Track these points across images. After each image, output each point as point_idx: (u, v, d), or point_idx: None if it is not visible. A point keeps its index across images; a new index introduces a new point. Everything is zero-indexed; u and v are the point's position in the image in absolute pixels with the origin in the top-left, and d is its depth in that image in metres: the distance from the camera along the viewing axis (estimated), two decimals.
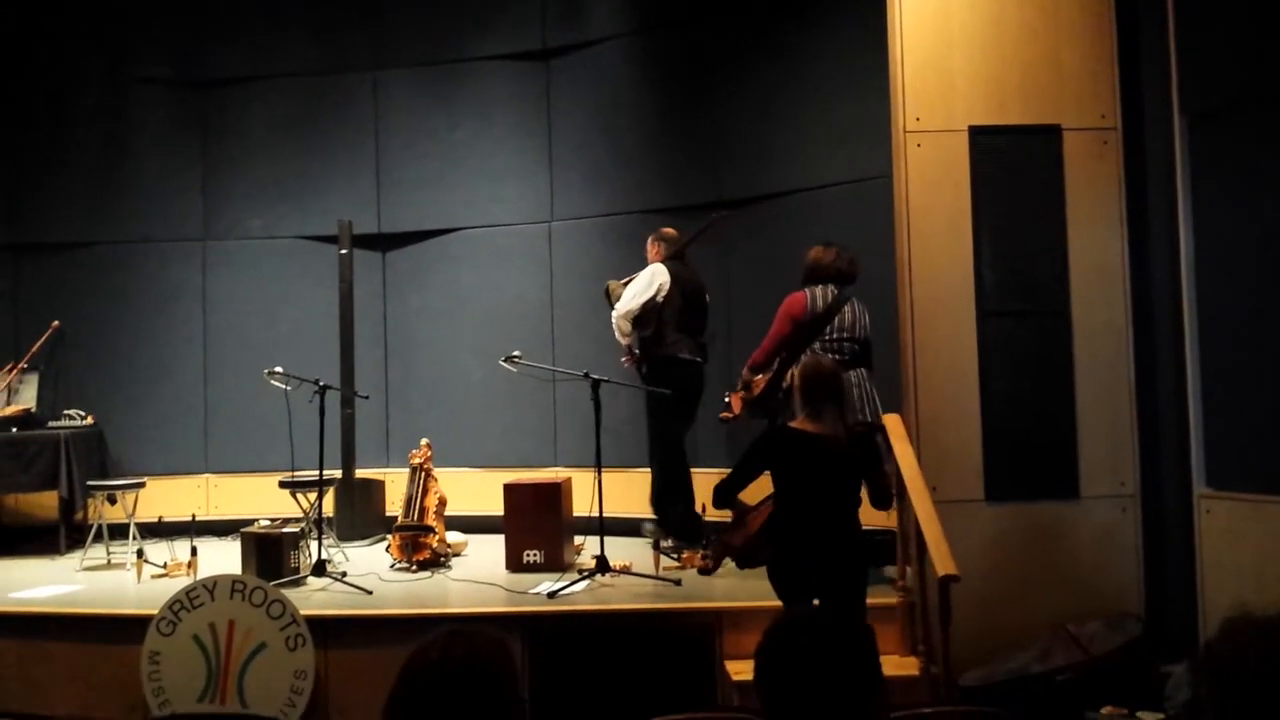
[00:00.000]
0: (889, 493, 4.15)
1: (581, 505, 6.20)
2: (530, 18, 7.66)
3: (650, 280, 6.12)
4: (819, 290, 5.25)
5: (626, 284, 6.30)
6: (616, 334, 6.26)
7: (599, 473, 5.60)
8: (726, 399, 5.52)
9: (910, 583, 4.58)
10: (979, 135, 4.95)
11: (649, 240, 6.41)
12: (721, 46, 6.91)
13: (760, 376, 5.29)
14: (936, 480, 4.59)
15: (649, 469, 6.37)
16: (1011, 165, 4.97)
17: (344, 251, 7.35)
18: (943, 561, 4.00)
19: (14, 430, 6.96)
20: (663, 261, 6.21)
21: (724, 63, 6.90)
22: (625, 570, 5.53)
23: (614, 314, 6.21)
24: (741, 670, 4.46)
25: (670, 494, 6.15)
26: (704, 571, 5.38)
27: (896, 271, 4.95)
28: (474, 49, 7.77)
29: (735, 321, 6.66)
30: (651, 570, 5.48)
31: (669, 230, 6.40)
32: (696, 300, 6.22)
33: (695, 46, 7.03)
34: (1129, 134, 4.95)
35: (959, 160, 4.92)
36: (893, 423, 4.68)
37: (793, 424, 4.01)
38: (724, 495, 4.14)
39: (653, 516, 6.31)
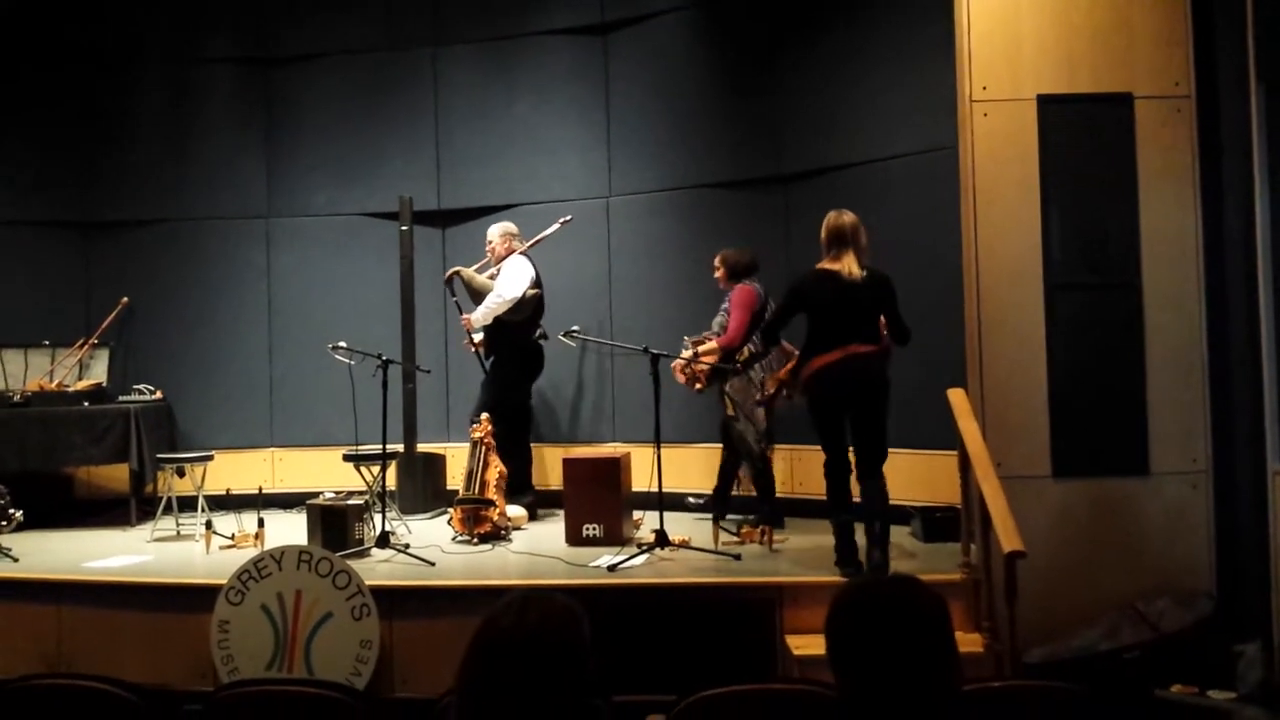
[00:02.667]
0: (906, 328, 4.91)
1: (638, 480, 6.22)
2: None
3: (524, 270, 6.68)
4: (757, 283, 6.19)
5: (490, 275, 6.78)
6: (479, 318, 6.68)
7: (658, 448, 5.60)
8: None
9: (975, 559, 4.53)
10: (1048, 104, 4.84)
11: (498, 235, 6.88)
12: (783, 17, 6.83)
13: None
14: (1002, 456, 4.53)
15: (710, 445, 6.37)
16: (1081, 135, 4.86)
17: (405, 228, 7.40)
18: (1009, 538, 3.94)
19: (86, 404, 7.11)
20: (521, 254, 6.78)
21: (785, 33, 6.81)
22: (684, 544, 5.53)
23: (495, 300, 6.60)
24: (802, 645, 4.45)
25: (518, 461, 6.64)
26: (763, 403, 5.77)
27: (962, 244, 4.88)
28: (533, 23, 7.76)
29: None
30: (710, 545, 5.48)
31: (514, 226, 6.96)
32: (543, 292, 6.80)
33: (755, 17, 6.94)
34: (1203, 102, 4.80)
35: (1027, 130, 4.82)
36: (957, 398, 4.62)
37: (817, 266, 4.94)
38: (771, 333, 5.31)
39: None
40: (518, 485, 6.57)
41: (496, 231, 6.92)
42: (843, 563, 4.81)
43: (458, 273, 6.92)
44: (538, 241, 6.98)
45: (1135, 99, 4.82)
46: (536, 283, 6.73)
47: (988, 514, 4.14)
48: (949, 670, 1.74)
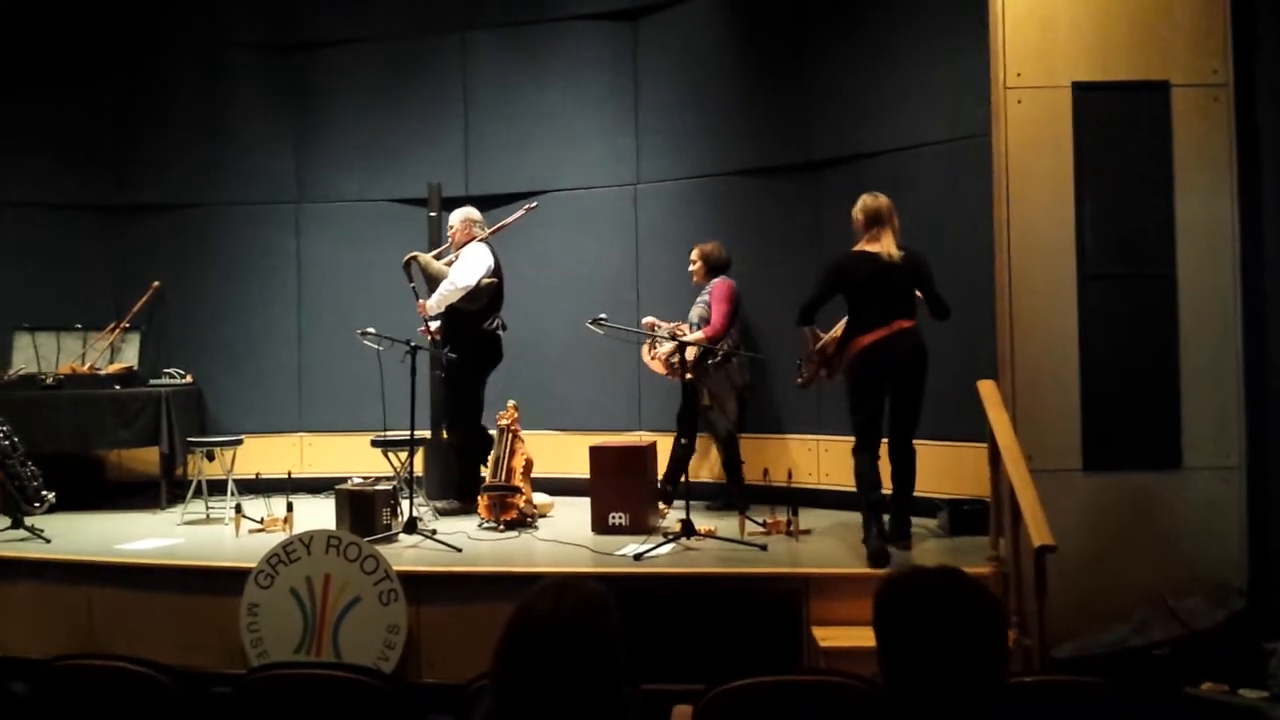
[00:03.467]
0: (946, 305, 5.13)
1: (664, 469, 6.22)
2: None
3: (481, 258, 6.49)
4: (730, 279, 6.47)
5: (448, 261, 6.61)
6: (433, 305, 6.51)
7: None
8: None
9: (1004, 553, 4.49)
10: (1083, 91, 4.77)
11: (459, 221, 6.69)
12: (813, 2, 6.78)
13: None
14: (1032, 448, 4.48)
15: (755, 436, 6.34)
16: (1116, 123, 4.77)
17: (433, 214, 7.42)
18: (1039, 531, 3.90)
19: (117, 387, 7.17)
20: (482, 241, 6.58)
21: (816, 19, 6.76)
22: (710, 534, 5.53)
23: (448, 287, 6.43)
24: (829, 636, 4.44)
25: (470, 454, 6.56)
26: (804, 386, 5.73)
27: (994, 233, 4.83)
28: (562, 8, 7.75)
29: None
30: (736, 535, 5.47)
31: (477, 213, 6.77)
32: (503, 281, 6.63)
33: (786, 3, 6.89)
34: (1241, 90, 4.72)
35: (1061, 117, 4.75)
36: (988, 389, 4.57)
37: (854, 248, 5.16)
38: (807, 314, 5.26)
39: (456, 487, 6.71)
40: (472, 489, 6.44)
41: (458, 217, 6.73)
42: (873, 547, 4.92)
43: (415, 257, 6.71)
44: (500, 229, 6.82)
45: (1172, 87, 4.74)
46: (495, 272, 6.55)
47: (1018, 507, 4.10)
48: (1000, 665, 1.73)
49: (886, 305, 5.10)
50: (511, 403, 6.40)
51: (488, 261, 6.51)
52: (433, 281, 6.59)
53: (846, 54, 6.62)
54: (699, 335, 6.28)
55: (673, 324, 6.54)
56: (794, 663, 4.49)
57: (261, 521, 6.09)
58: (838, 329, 5.38)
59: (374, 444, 6.50)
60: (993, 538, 4.63)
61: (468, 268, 6.45)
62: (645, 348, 6.67)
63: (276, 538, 5.23)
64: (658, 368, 6.55)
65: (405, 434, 6.16)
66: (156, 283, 7.73)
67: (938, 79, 6.12)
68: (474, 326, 6.45)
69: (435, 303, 6.49)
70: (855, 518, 5.96)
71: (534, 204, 7.02)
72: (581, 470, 6.12)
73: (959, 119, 5.91)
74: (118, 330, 7.63)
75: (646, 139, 7.54)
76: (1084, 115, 4.76)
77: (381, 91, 7.99)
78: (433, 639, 4.81)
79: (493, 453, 6.28)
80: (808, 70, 6.79)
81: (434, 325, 6.60)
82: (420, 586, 4.86)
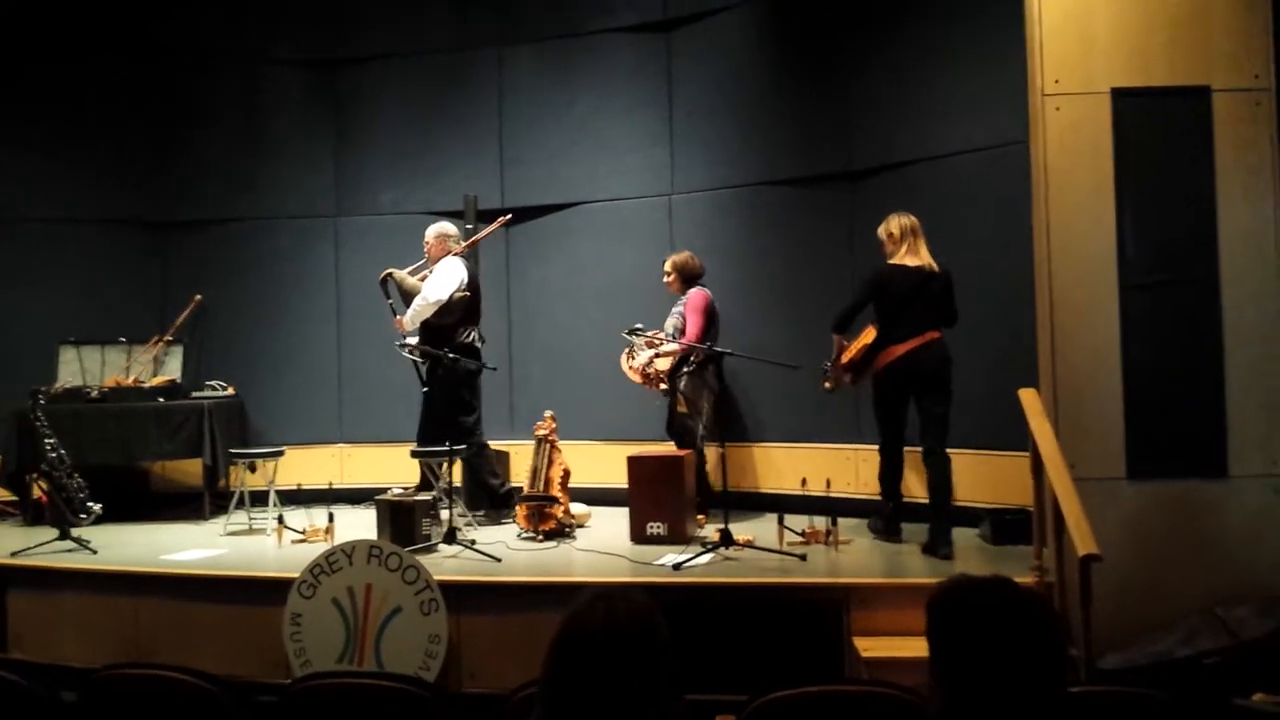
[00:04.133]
0: (956, 312, 5.45)
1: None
2: None
3: (454, 272, 6.49)
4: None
5: (422, 276, 6.61)
6: (408, 321, 6.52)
7: (723, 447, 5.59)
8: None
9: (1047, 563, 4.45)
10: (1122, 97, 4.72)
11: (433, 235, 6.73)
12: (849, 10, 6.78)
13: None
14: (1075, 457, 4.43)
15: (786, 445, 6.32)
16: (1157, 129, 4.73)
17: (470, 226, 7.46)
18: (1084, 540, 3.87)
19: (160, 400, 7.27)
20: (457, 256, 6.61)
21: (852, 27, 6.76)
22: (748, 544, 5.51)
23: (420, 302, 6.45)
24: (871, 647, 4.42)
25: (482, 470, 6.65)
26: (831, 391, 5.91)
27: (1034, 242, 4.79)
28: (596, 22, 7.80)
29: None
30: (775, 545, 5.46)
31: (452, 227, 6.82)
32: (479, 294, 6.67)
33: (822, 11, 6.90)
34: None
35: (1101, 124, 4.71)
36: (1029, 398, 4.54)
37: (890, 261, 5.46)
38: (844, 322, 5.62)
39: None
40: (502, 496, 6.58)
41: (432, 232, 6.77)
42: (892, 532, 5.62)
43: (390, 274, 6.72)
44: (474, 243, 6.89)
45: (1213, 92, 4.69)
46: (470, 285, 6.56)
47: (1061, 516, 4.07)
48: (1060, 678, 1.71)
49: (919, 317, 5.39)
50: (549, 413, 6.42)
51: (461, 275, 6.53)
52: (408, 297, 6.61)
53: (879, 62, 6.62)
54: (673, 346, 6.41)
55: (649, 333, 6.58)
56: (835, 673, 4.48)
57: (303, 532, 6.15)
58: (865, 337, 5.56)
59: (413, 454, 6.54)
60: (1036, 547, 4.59)
61: (440, 282, 6.47)
62: (624, 356, 6.70)
63: (318, 548, 5.29)
64: (634, 377, 6.63)
65: (444, 445, 6.19)
66: (198, 296, 7.84)
67: (975, 86, 6.11)
68: (450, 340, 6.43)
69: (410, 318, 6.52)
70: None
71: (509, 215, 7.11)
72: (618, 480, 6.13)
73: (997, 126, 5.89)
74: (161, 343, 7.74)
75: (681, 150, 7.56)
76: (1124, 122, 4.72)
77: (418, 106, 8.08)
78: (473, 648, 4.83)
79: (530, 463, 6.31)
80: (842, 79, 6.79)
81: (412, 341, 6.60)
82: (461, 596, 4.89)
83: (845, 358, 5.64)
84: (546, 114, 7.92)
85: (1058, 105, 4.75)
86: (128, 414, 7.14)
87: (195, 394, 7.52)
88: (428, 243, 6.78)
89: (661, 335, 6.57)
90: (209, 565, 5.55)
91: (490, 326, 7.61)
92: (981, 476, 5.88)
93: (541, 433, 6.32)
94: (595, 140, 7.79)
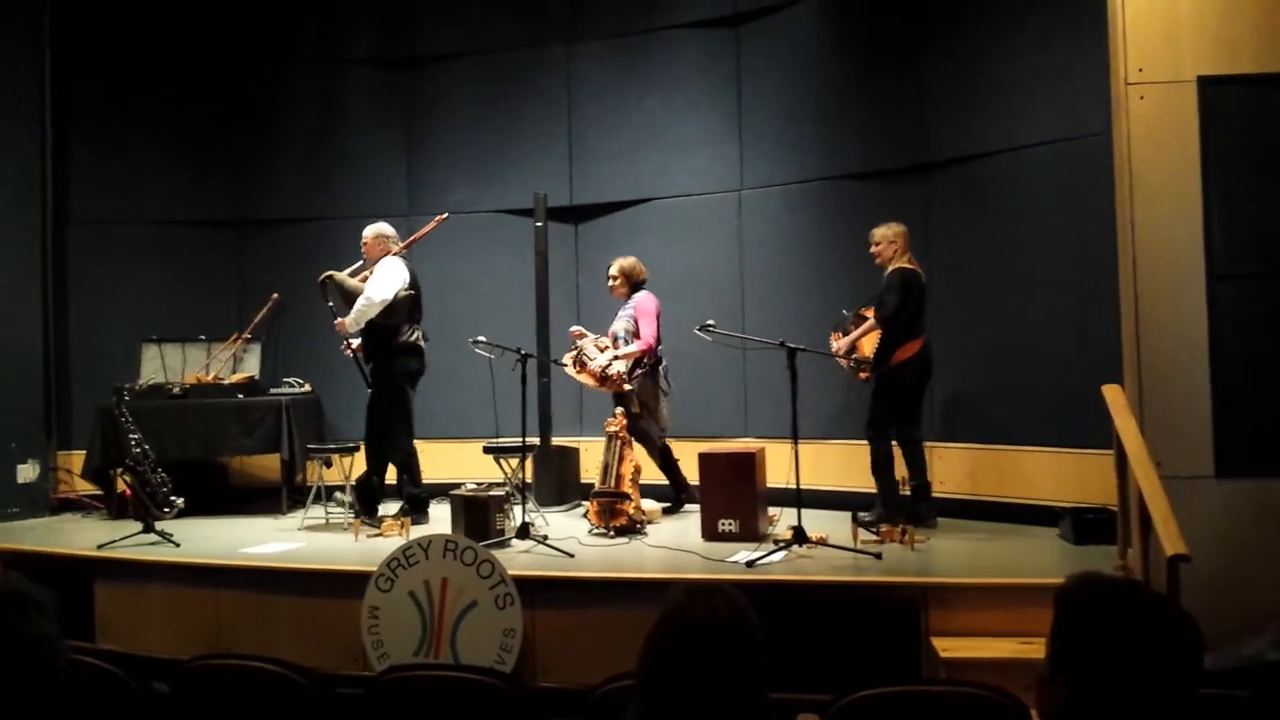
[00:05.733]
0: None
1: (772, 476, 6.17)
2: None
3: (396, 272, 6.49)
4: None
5: (361, 277, 6.59)
6: (351, 323, 6.46)
7: (795, 443, 5.55)
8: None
9: (1132, 562, 4.36)
10: (1208, 86, 4.62)
11: (372, 236, 6.70)
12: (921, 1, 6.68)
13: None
14: (1161, 455, 4.34)
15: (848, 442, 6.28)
16: (1244, 117, 4.62)
17: (539, 224, 7.51)
18: (1171, 540, 3.78)
19: (240, 396, 7.42)
20: (396, 255, 6.61)
21: (923, 17, 6.66)
22: (822, 542, 5.46)
23: (363, 303, 6.39)
24: (950, 648, 4.35)
25: (414, 465, 6.64)
26: (864, 380, 6.12)
27: (1117, 234, 4.70)
28: (665, 18, 7.79)
29: (937, 289, 6.34)
30: (849, 543, 5.40)
31: (389, 228, 6.79)
32: (420, 292, 6.65)
33: (891, 1, 6.81)
34: None
35: (1186, 113, 4.61)
36: (1114, 394, 4.45)
37: (905, 264, 5.93)
38: (900, 321, 5.88)
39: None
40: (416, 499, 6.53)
41: (370, 233, 6.73)
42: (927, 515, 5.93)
43: (330, 277, 6.63)
44: (412, 242, 6.89)
45: None
46: (412, 284, 6.53)
47: (1147, 515, 3.98)
48: (1190, 682, 1.67)
49: (922, 318, 5.96)
50: (619, 409, 6.43)
51: (403, 275, 6.51)
52: (349, 299, 6.53)
53: (954, 52, 6.50)
54: (634, 349, 6.52)
55: (594, 337, 6.69)
56: (912, 673, 4.42)
57: (379, 526, 6.23)
58: (871, 331, 5.98)
59: (486, 450, 6.60)
60: (1120, 546, 4.50)
61: (382, 282, 6.44)
62: (570, 359, 6.67)
63: (394, 543, 5.34)
64: (585, 379, 6.64)
65: (516, 441, 6.24)
66: (276, 295, 7.98)
67: (1054, 75, 5.97)
68: (392, 339, 6.45)
69: (353, 320, 6.46)
70: (971, 525, 5.90)
71: (445, 215, 7.17)
72: (691, 477, 6.12)
73: (1077, 116, 5.76)
74: (240, 341, 7.90)
75: (750, 145, 7.52)
76: (1210, 110, 4.62)
77: (488, 104, 8.14)
78: (548, 643, 4.85)
79: (602, 459, 6.33)
80: (915, 70, 6.68)
81: (355, 343, 6.60)
82: (534, 591, 4.91)
83: (866, 350, 6.02)
84: (615, 111, 7.93)
85: (1141, 94, 4.65)
86: (208, 410, 7.29)
87: (273, 390, 7.66)
88: (365, 243, 6.75)
89: (605, 340, 6.69)
90: (288, 559, 5.64)
91: (559, 324, 7.67)
92: (1061, 474, 5.77)
93: (612, 429, 6.34)
94: (664, 136, 7.77)
